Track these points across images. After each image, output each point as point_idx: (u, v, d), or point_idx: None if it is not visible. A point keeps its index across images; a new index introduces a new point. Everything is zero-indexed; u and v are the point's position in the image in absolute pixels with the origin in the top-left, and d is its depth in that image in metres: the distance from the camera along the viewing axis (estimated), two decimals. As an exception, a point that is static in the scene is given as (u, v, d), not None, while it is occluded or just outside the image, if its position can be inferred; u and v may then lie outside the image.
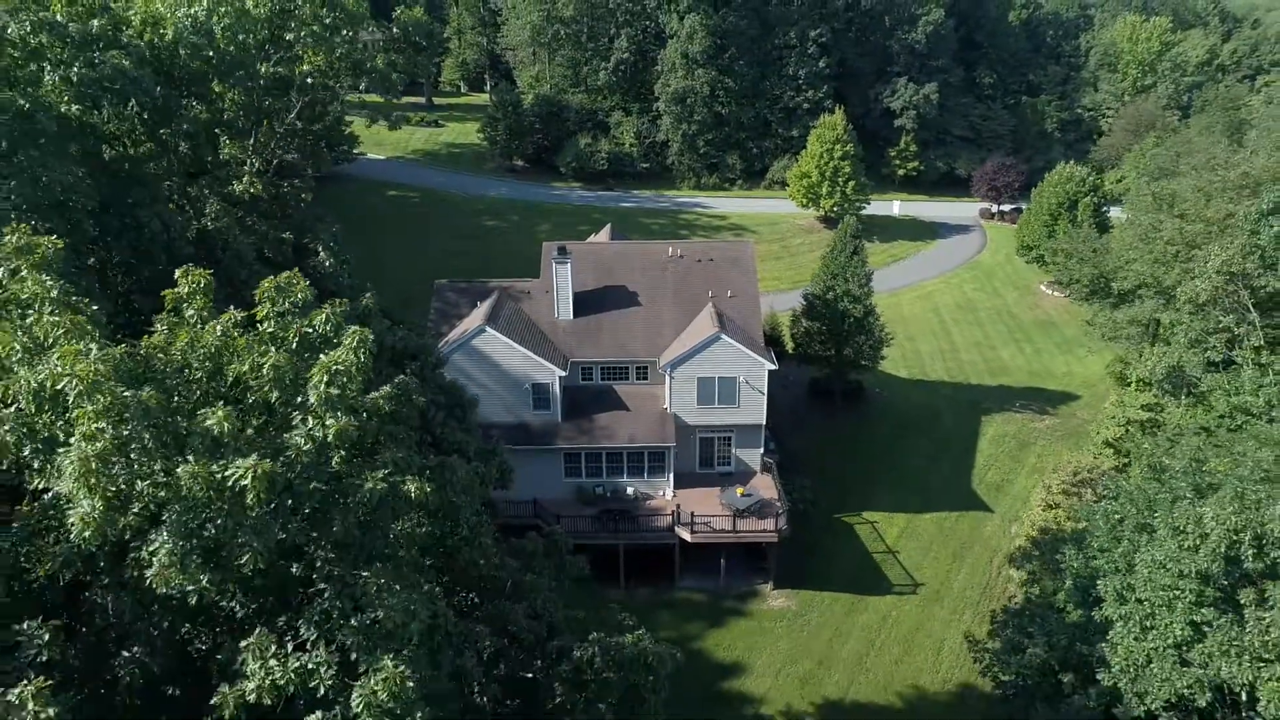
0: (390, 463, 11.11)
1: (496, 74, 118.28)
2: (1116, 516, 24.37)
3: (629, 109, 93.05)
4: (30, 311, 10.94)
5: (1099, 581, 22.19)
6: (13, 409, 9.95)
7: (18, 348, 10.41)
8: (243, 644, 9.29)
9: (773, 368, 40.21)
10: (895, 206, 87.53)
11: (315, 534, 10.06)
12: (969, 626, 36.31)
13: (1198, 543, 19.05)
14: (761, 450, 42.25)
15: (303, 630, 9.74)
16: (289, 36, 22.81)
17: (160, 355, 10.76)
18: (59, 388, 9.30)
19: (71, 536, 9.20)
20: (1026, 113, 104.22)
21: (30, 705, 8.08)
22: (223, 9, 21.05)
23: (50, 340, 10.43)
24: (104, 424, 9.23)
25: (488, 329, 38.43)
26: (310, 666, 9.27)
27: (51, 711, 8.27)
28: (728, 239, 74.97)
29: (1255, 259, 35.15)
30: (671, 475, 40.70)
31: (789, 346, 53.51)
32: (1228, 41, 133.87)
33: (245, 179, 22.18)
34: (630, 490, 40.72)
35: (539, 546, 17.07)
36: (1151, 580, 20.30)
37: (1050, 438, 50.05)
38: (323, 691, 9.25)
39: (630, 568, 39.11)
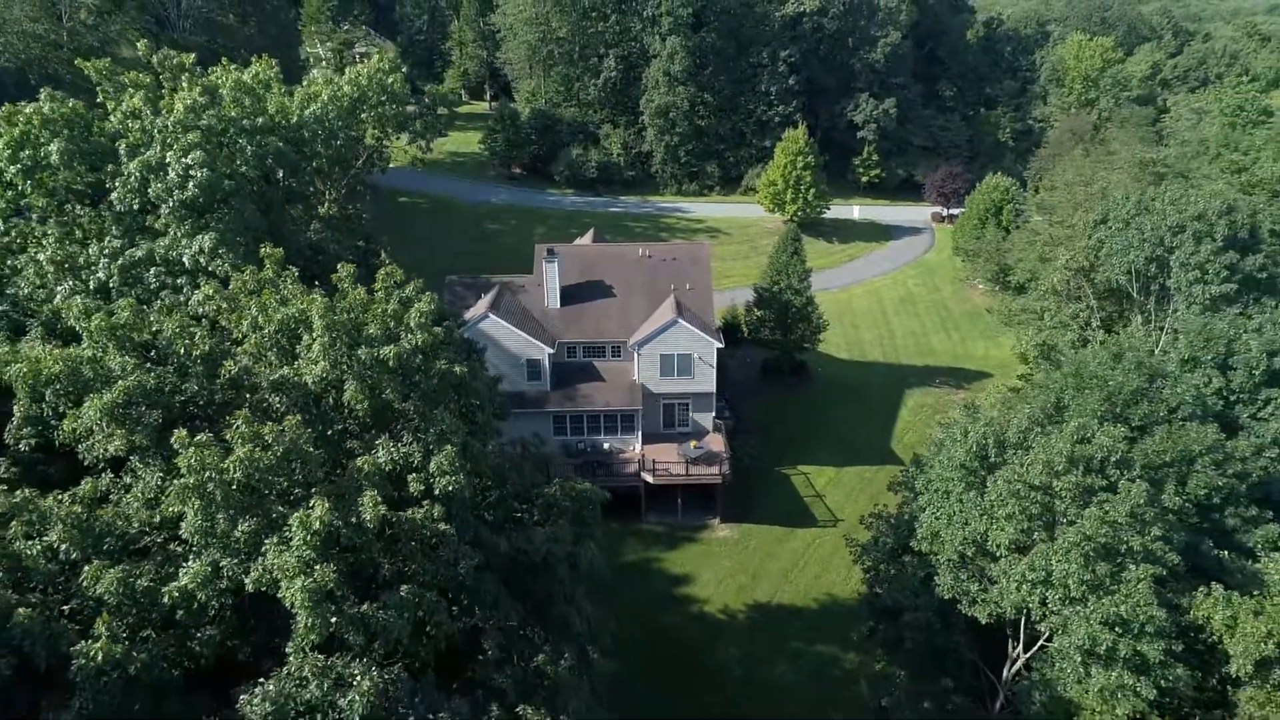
0: (447, 359, 20.96)
1: (496, 85, 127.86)
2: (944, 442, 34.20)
3: (617, 122, 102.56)
4: (280, 285, 20.96)
5: (915, 481, 32.02)
6: (267, 331, 19.78)
7: (274, 302, 20.35)
8: (377, 441, 19.08)
9: (720, 346, 49.90)
10: (855, 210, 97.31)
11: (411, 393, 19.96)
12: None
13: (960, 445, 28.87)
14: (713, 414, 51.91)
15: (405, 437, 19.51)
16: (362, 115, 32.64)
17: (337, 304, 20.86)
18: (308, 316, 19.26)
19: (309, 383, 19.04)
20: (982, 124, 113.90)
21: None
22: (331, 107, 30.93)
23: (291, 297, 20.44)
24: (325, 332, 19.05)
25: (491, 316, 47.99)
26: (408, 451, 18.99)
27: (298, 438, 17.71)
28: (703, 240, 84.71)
29: (1091, 257, 44.91)
30: (640, 433, 50.36)
31: (745, 333, 63.20)
32: (1177, 56, 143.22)
33: (326, 204, 31.92)
34: (606, 445, 50.41)
35: (521, 449, 26.82)
36: (940, 475, 30.15)
37: (961, 408, 59.77)
38: (415, 463, 18.94)
39: (606, 506, 48.71)
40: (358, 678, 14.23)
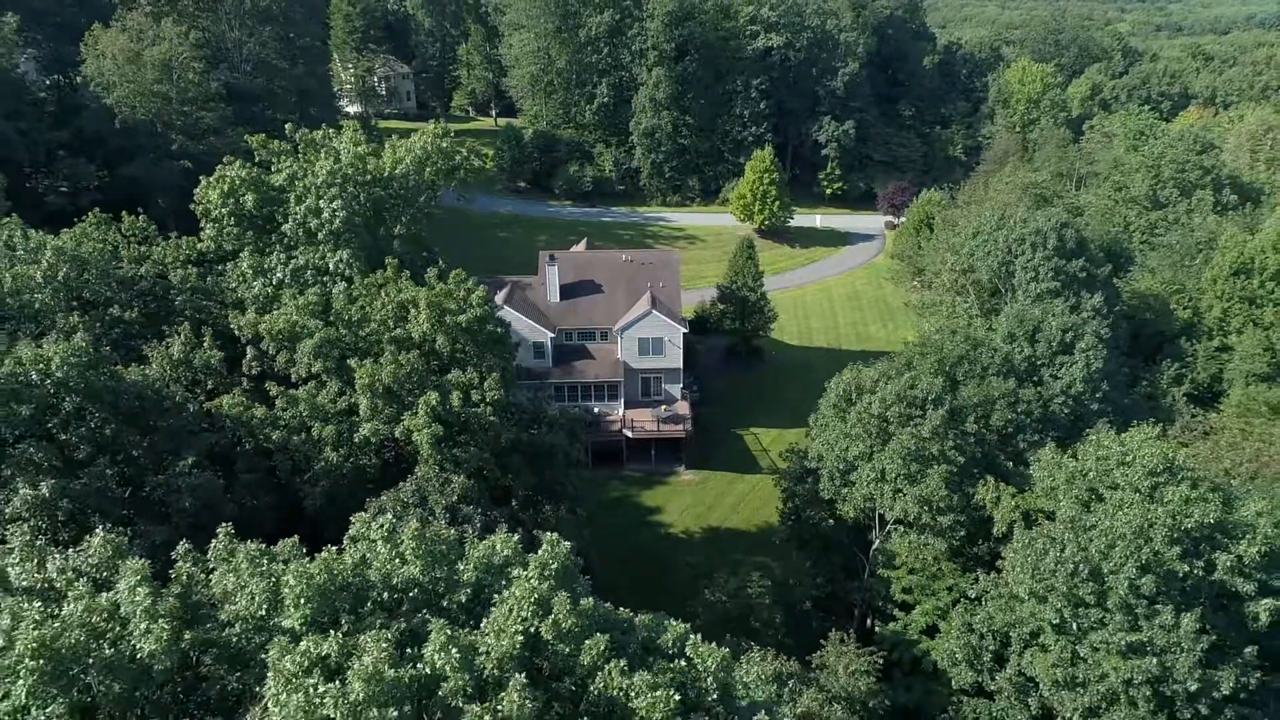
0: (492, 325, 34.26)
1: (500, 104, 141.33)
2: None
3: (609, 141, 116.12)
4: (399, 280, 34.51)
5: (813, 421, 45.40)
6: (390, 308, 32.89)
7: (394, 290, 33.82)
8: (453, 371, 32.39)
9: (685, 332, 63.29)
10: (818, 219, 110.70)
11: (470, 344, 33.19)
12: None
13: (829, 389, 42.28)
14: (681, 385, 65.26)
15: (468, 369, 32.64)
16: (426, 169, 46.32)
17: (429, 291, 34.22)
18: (416, 299, 32.70)
19: (415, 337, 32.28)
20: (937, 141, 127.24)
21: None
22: (411, 166, 44.66)
23: (405, 288, 33.88)
24: (427, 308, 32.31)
25: (505, 307, 61.16)
26: (471, 377, 31.92)
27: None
28: (682, 246, 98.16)
29: (969, 261, 58.26)
30: (622, 400, 63.68)
31: (712, 323, 76.51)
32: (1123, 76, 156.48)
33: (399, 227, 45.30)
34: (596, 409, 63.66)
35: (533, 394, 40.17)
36: (823, 413, 43.55)
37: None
38: (475, 383, 31.94)
39: (596, 458, 62.14)
40: (454, 478, 27.49)
